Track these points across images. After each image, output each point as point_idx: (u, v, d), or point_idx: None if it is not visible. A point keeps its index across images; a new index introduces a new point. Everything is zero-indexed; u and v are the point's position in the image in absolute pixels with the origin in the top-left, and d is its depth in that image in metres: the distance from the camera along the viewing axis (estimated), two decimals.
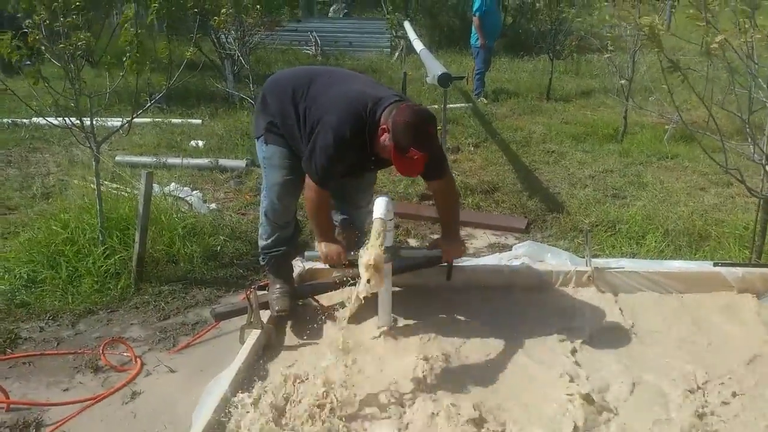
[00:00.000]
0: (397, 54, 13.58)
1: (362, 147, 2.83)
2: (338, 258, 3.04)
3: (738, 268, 3.49)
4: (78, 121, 3.83)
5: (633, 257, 4.06)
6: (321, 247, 3.05)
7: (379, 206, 2.81)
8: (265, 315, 3.10)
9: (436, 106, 6.87)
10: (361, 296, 2.67)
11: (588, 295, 3.44)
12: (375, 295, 3.05)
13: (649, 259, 3.92)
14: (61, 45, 3.67)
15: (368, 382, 2.71)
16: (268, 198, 3.12)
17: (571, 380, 2.71)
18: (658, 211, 4.92)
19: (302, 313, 3.29)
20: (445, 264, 3.47)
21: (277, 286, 3.21)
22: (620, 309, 3.31)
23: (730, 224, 4.57)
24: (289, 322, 3.19)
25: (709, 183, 5.88)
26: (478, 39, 9.89)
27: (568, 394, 2.61)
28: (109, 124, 5.94)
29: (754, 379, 2.73)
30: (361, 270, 2.60)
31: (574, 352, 2.94)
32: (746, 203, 5.11)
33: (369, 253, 2.59)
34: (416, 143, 2.64)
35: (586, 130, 7.86)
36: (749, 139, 3.64)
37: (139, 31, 3.72)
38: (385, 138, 2.72)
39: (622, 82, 7.19)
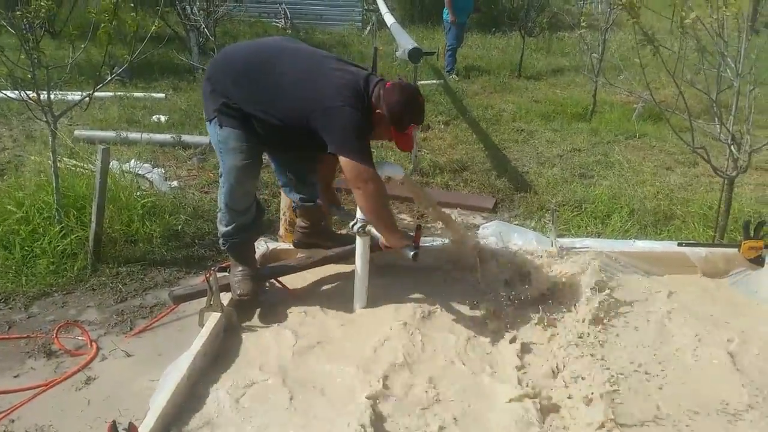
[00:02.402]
0: (368, 28, 13.39)
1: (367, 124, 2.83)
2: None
3: (701, 248, 3.51)
4: (35, 94, 3.67)
5: (598, 237, 4.07)
6: (400, 246, 2.84)
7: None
8: (225, 297, 3.02)
9: None
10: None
11: (553, 274, 3.43)
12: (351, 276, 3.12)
13: (614, 239, 3.93)
14: (18, 13, 3.50)
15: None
16: (227, 183, 2.97)
17: (535, 356, 2.73)
18: (624, 190, 4.93)
19: (265, 296, 3.22)
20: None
21: (239, 268, 3.12)
22: (584, 288, 3.32)
23: (695, 204, 4.60)
24: (251, 305, 3.11)
25: (676, 162, 5.93)
26: (449, 14, 9.78)
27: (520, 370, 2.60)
28: (69, 98, 5.72)
29: None
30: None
31: (538, 328, 2.95)
32: (711, 183, 5.17)
33: None
34: (414, 118, 2.84)
35: (555, 109, 7.86)
36: (716, 119, 3.65)
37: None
38: (381, 122, 2.78)
39: (594, 55, 7.20)
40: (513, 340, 2.88)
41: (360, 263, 3.08)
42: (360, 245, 3.07)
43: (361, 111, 2.74)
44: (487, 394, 2.52)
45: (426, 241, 3.55)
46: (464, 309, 3.11)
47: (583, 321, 2.97)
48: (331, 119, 2.71)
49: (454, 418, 2.37)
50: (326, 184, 3.34)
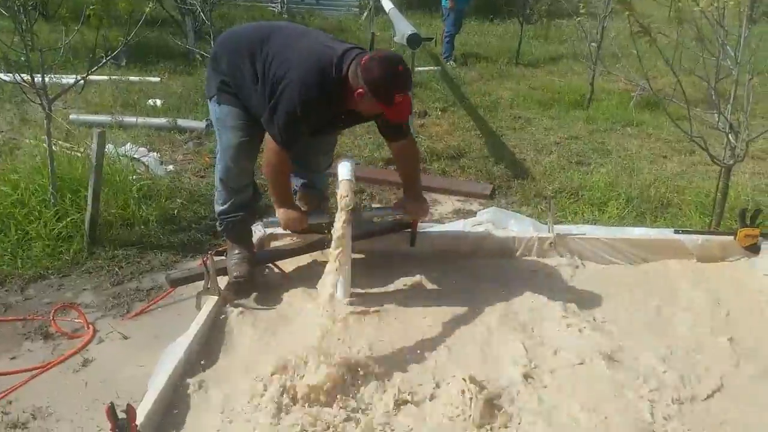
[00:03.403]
0: (365, 14, 13.31)
1: (329, 104, 2.73)
2: (299, 224, 2.97)
3: (698, 235, 3.52)
4: (29, 77, 3.64)
5: (595, 224, 4.07)
6: (280, 214, 2.95)
7: (345, 168, 2.81)
8: (222, 281, 3.02)
9: None
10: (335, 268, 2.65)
11: (550, 261, 3.45)
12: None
13: (611, 226, 3.94)
14: None
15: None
16: (223, 161, 2.99)
17: (531, 345, 2.72)
18: (621, 178, 4.94)
19: (262, 279, 3.22)
20: (409, 230, 3.44)
21: (236, 251, 3.12)
22: (581, 275, 3.33)
23: (691, 192, 4.62)
24: (248, 288, 3.11)
25: (672, 151, 5.93)
26: (448, 0, 9.74)
27: (522, 365, 2.61)
28: (64, 81, 5.67)
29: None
30: (333, 242, 2.67)
31: (535, 317, 2.95)
32: (707, 171, 5.17)
33: (337, 223, 2.68)
34: (398, 88, 2.64)
35: (553, 96, 7.84)
36: (714, 107, 3.65)
37: None
38: (366, 102, 2.67)
39: (593, 44, 7.18)
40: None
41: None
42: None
43: (320, 87, 2.66)
44: None
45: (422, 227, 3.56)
46: (452, 297, 3.12)
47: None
48: (280, 91, 2.68)
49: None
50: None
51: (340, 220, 2.71)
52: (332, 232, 2.71)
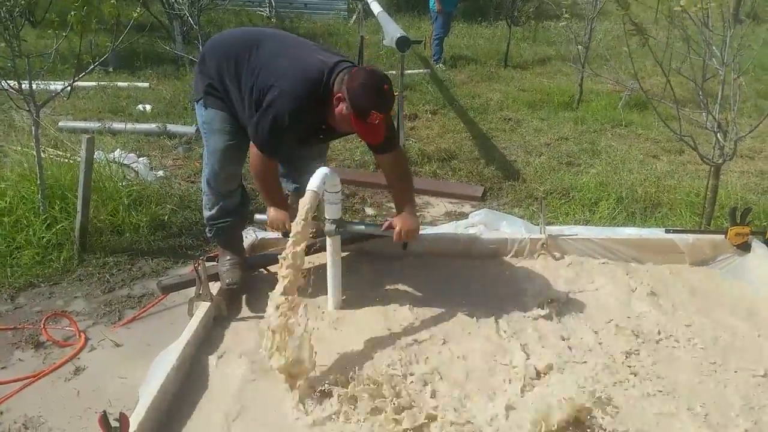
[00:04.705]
0: (354, 17, 13.32)
1: (317, 114, 2.70)
2: (283, 225, 2.89)
3: (689, 234, 3.54)
4: (16, 84, 3.61)
5: (586, 224, 4.09)
6: (270, 212, 2.90)
7: (315, 178, 2.65)
8: (214, 286, 3.00)
9: (393, 72, 6.74)
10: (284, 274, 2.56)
11: (542, 262, 3.46)
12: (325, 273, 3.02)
13: (602, 226, 3.95)
14: None
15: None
16: (210, 165, 2.96)
17: (523, 348, 2.72)
18: (611, 178, 4.95)
19: (254, 285, 3.20)
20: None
21: (228, 257, 3.11)
22: (573, 275, 3.34)
23: (681, 191, 4.64)
24: (240, 294, 3.10)
25: (662, 150, 5.97)
26: (435, 3, 9.76)
27: (513, 366, 2.61)
28: (52, 87, 5.64)
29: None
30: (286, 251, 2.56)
31: (527, 318, 2.95)
32: (697, 170, 5.21)
33: (293, 234, 2.56)
34: (376, 105, 2.54)
35: (542, 98, 7.87)
36: (702, 107, 3.67)
37: None
38: (342, 107, 2.59)
39: (579, 47, 7.21)
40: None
41: (330, 264, 2.98)
42: (330, 246, 2.94)
43: (310, 98, 2.62)
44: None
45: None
46: (445, 299, 3.11)
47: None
48: (270, 100, 2.64)
49: None
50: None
51: (294, 230, 2.57)
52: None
